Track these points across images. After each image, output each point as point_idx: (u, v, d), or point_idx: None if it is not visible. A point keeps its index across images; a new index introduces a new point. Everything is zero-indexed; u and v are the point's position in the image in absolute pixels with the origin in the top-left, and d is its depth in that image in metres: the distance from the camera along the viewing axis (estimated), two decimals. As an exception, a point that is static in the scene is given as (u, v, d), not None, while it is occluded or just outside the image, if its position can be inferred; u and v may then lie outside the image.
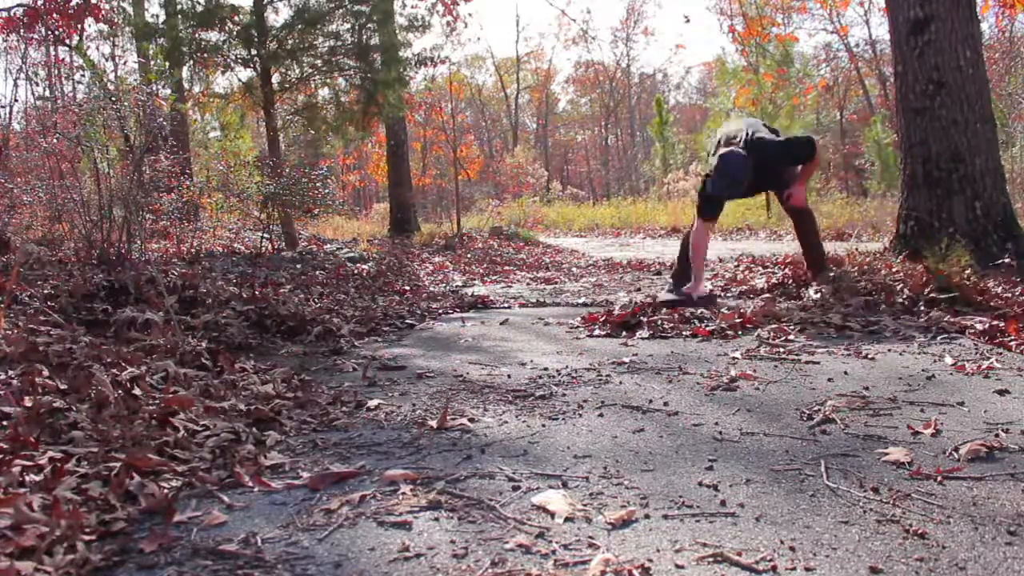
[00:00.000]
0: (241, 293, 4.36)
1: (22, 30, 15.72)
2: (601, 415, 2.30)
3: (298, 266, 7.14)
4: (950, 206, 5.06)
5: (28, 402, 1.98)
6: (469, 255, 10.10)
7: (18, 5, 15.08)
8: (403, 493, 1.65)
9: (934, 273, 4.32)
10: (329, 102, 11.44)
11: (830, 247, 7.17)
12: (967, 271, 4.31)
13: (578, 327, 4.08)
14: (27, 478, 1.61)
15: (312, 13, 9.65)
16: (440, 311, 4.90)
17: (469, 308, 5.10)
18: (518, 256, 10.23)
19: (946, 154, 5.07)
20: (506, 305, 5.26)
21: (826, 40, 33.41)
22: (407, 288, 6.13)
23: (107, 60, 20.13)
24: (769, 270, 6.01)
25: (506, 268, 8.48)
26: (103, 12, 14.62)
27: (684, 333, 3.75)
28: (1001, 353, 3.06)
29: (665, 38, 79.29)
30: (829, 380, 2.70)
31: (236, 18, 9.68)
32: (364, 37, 10.37)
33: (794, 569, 1.29)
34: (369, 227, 17.76)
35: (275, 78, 10.11)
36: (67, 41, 16.49)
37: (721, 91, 22.07)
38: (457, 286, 6.60)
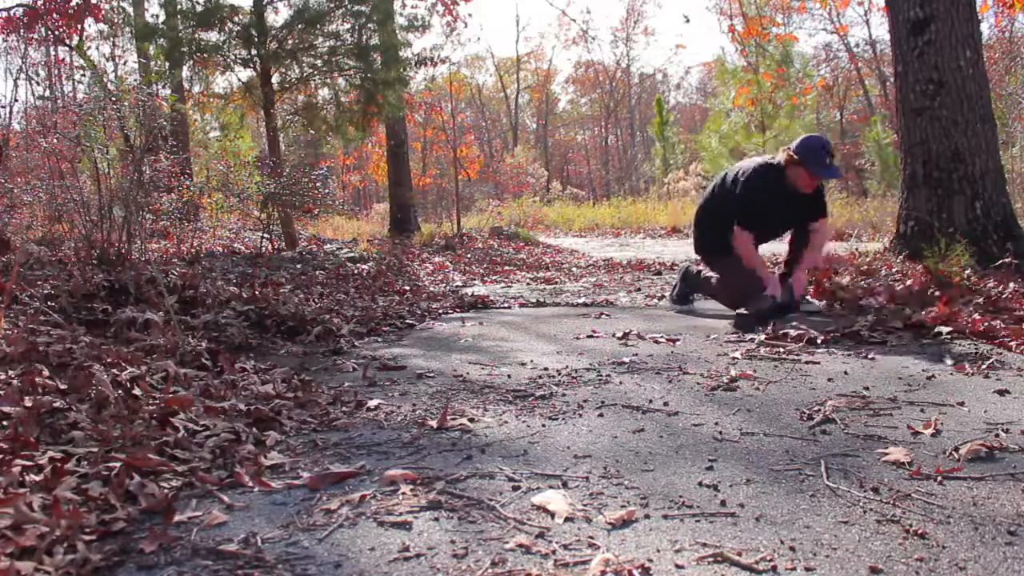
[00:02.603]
0: (241, 293, 4.36)
1: (22, 30, 15.72)
2: (601, 415, 2.30)
3: (298, 266, 7.14)
4: (950, 206, 5.06)
5: (28, 402, 1.98)
6: (469, 255, 10.10)
7: (18, 5, 15.09)
8: (403, 493, 1.65)
9: (934, 273, 4.33)
10: (329, 102, 11.43)
11: (830, 247, 7.17)
12: (967, 271, 4.32)
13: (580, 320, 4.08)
14: (27, 478, 1.61)
15: (312, 13, 9.65)
16: (440, 311, 4.90)
17: (469, 308, 5.10)
18: (518, 256, 10.23)
19: (946, 154, 5.07)
20: (506, 305, 5.26)
21: (826, 40, 33.43)
22: (407, 288, 6.13)
23: (107, 60, 20.12)
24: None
25: (506, 268, 8.49)
26: (103, 12, 14.63)
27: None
28: (1001, 353, 3.07)
29: (665, 38, 79.28)
30: (829, 380, 2.70)
31: (236, 18, 9.68)
32: (364, 37, 10.36)
33: (794, 569, 1.29)
34: (369, 227, 17.75)
35: (275, 78, 10.10)
36: (67, 41, 16.50)
37: (721, 91, 22.06)
38: (457, 286, 6.60)
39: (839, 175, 4.22)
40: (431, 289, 6.19)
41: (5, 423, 1.86)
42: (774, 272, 4.35)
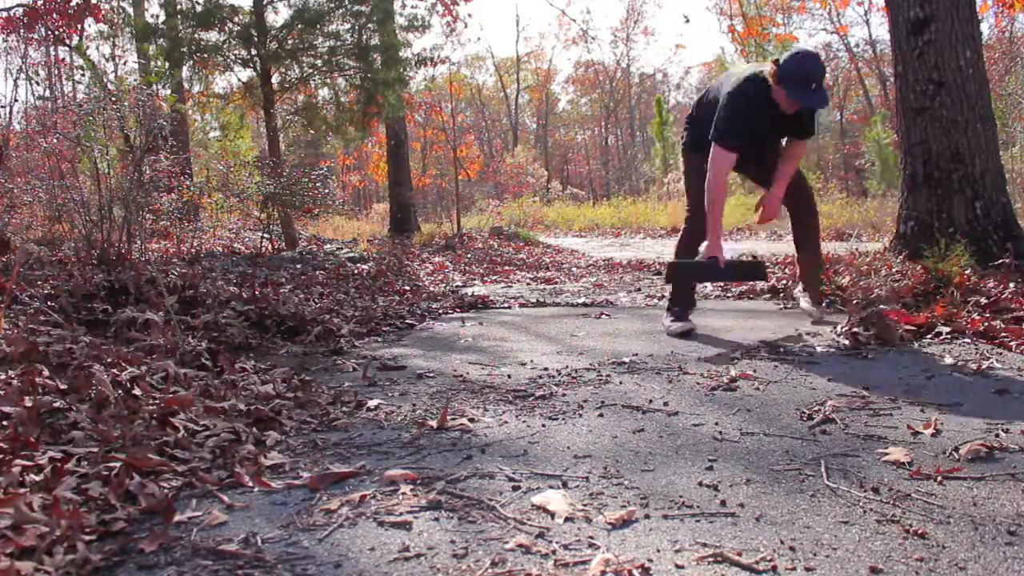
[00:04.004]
0: (241, 293, 4.36)
1: (22, 30, 15.72)
2: (601, 415, 2.30)
3: (298, 266, 7.13)
4: (950, 206, 5.05)
5: (28, 402, 1.98)
6: (469, 255, 10.10)
7: (18, 5, 15.08)
8: (403, 493, 1.65)
9: (934, 273, 4.33)
10: (329, 102, 11.44)
11: (830, 247, 7.17)
12: (967, 271, 4.32)
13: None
14: (27, 478, 1.60)
15: (312, 13, 9.65)
16: (440, 311, 4.89)
17: (469, 308, 5.10)
18: (518, 256, 10.23)
19: (946, 154, 5.06)
20: (506, 305, 5.26)
21: (826, 40, 33.43)
22: (407, 288, 6.12)
23: (107, 60, 20.13)
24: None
25: (506, 268, 8.49)
26: (103, 12, 14.62)
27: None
28: (1001, 353, 3.06)
29: (665, 38, 79.29)
30: (829, 380, 2.70)
31: (236, 18, 9.68)
32: (364, 37, 10.37)
33: (794, 569, 1.29)
34: (369, 227, 17.75)
35: (275, 78, 10.10)
36: (67, 41, 16.49)
37: (721, 91, 21.97)
38: (457, 286, 6.60)
39: (821, 104, 3.58)
40: (431, 289, 6.19)
41: (5, 423, 1.86)
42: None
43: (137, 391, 2.25)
